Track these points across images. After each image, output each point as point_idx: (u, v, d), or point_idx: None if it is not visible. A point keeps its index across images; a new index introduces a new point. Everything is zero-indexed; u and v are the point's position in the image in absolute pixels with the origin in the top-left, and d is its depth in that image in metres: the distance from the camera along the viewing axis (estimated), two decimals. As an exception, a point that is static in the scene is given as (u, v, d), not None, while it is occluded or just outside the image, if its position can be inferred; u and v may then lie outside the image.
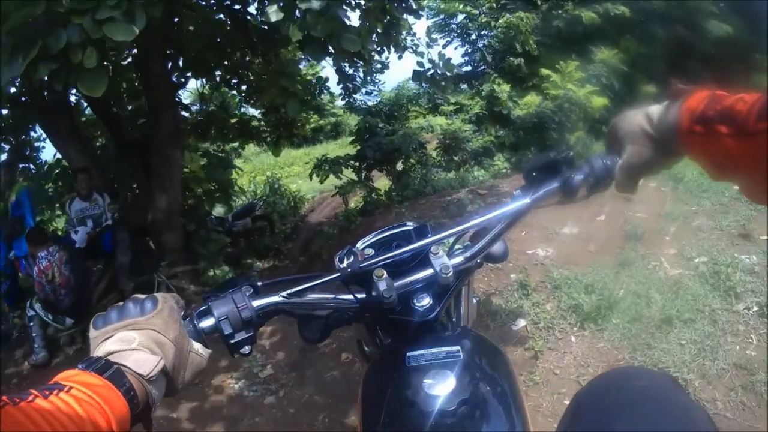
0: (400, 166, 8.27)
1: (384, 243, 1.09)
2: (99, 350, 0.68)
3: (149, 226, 5.90)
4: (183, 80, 6.33)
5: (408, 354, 0.86)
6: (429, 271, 0.90)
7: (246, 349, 0.79)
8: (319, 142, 19.36)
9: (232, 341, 0.78)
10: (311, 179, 8.14)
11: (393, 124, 9.06)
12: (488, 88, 9.34)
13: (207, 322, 0.78)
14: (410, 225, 1.10)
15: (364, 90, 8.47)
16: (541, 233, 4.65)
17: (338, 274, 0.89)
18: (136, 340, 0.68)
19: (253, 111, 8.38)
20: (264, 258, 8.42)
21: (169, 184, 5.73)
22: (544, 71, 8.99)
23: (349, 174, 8.00)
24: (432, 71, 5.54)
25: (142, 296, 0.74)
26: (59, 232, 6.51)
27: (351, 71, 6.95)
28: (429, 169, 8.47)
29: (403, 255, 0.91)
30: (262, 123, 7.91)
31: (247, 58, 6.53)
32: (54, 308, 4.80)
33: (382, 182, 8.60)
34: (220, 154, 6.94)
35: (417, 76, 5.61)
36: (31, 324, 4.90)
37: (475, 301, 1.20)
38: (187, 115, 7.13)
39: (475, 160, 9.00)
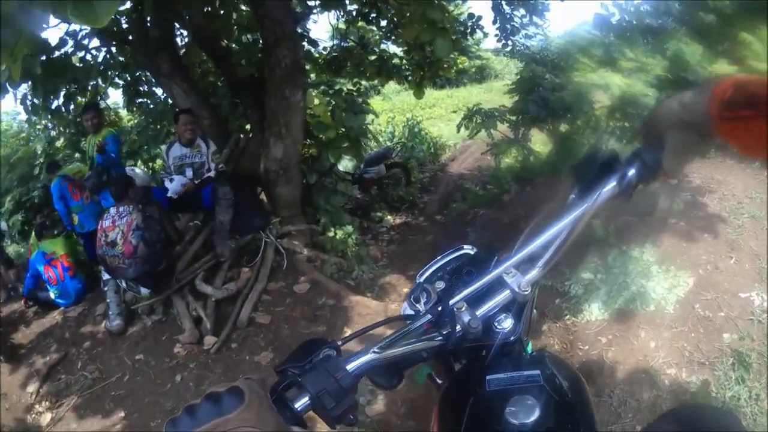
0: (563, 127, 6.85)
1: (453, 271, 1.02)
2: None
3: (262, 177, 5.14)
4: (306, 11, 5.55)
5: (488, 378, 0.84)
6: (506, 292, 0.88)
7: (351, 417, 0.73)
8: (463, 84, 17.91)
9: (336, 414, 0.71)
10: (458, 131, 7.03)
11: (560, 76, 7.54)
12: (674, 47, 7.26)
13: (303, 401, 0.71)
14: (468, 249, 1.04)
15: (523, 32, 6.97)
16: (753, 266, 3.23)
17: (426, 317, 0.86)
18: None
19: (393, 48, 7.83)
20: (396, 212, 7.54)
21: (287, 130, 4.89)
22: (745, 36, 6.68)
23: (503, 129, 6.77)
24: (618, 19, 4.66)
25: (221, 388, 0.62)
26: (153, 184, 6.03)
27: (510, 10, 6.23)
28: (600, 135, 6.83)
29: (484, 285, 0.89)
30: (404, 61, 7.19)
31: None
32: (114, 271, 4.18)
33: (539, 144, 7.33)
34: (353, 94, 5.90)
35: (600, 22, 5.08)
36: (105, 288, 4.37)
37: (534, 312, 1.05)
38: (313, 50, 6.30)
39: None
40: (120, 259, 4.05)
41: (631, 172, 0.91)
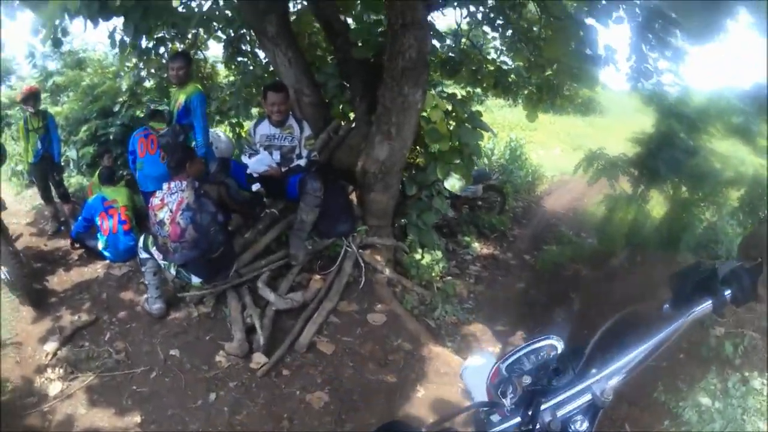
0: (685, 194, 6.02)
1: (539, 366, 0.96)
2: None
3: (358, 177, 4.48)
4: (441, 3, 4.92)
5: None
6: (588, 396, 0.86)
7: None
8: (566, 113, 16.76)
9: None
10: (574, 173, 6.24)
11: (695, 138, 6.58)
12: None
13: None
14: (555, 340, 0.97)
15: (657, 78, 6.16)
16: None
17: (518, 419, 0.85)
18: None
19: (508, 61, 7.15)
20: (484, 239, 6.81)
21: (398, 131, 4.22)
22: None
23: (623, 185, 6.03)
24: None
25: None
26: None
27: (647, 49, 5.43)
28: (722, 218, 5.95)
29: (573, 395, 0.86)
30: (522, 78, 6.51)
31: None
32: (165, 254, 3.59)
33: (655, 205, 6.46)
34: (465, 99, 5.17)
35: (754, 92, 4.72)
36: (143, 268, 3.79)
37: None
38: (438, 44, 5.64)
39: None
40: (168, 243, 3.50)
41: (727, 293, 0.92)
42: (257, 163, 4.06)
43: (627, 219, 6.24)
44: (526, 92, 6.60)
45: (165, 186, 3.50)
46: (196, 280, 3.70)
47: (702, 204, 5.85)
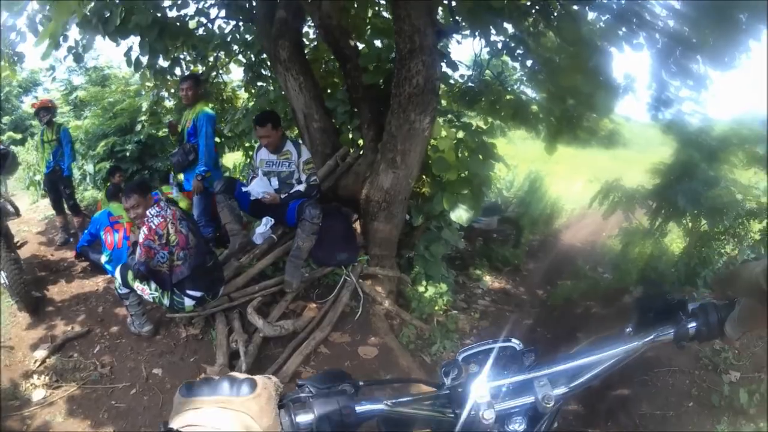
0: (704, 227, 5.73)
1: (493, 360, 0.96)
2: (181, 420, 0.62)
3: (362, 205, 4.38)
4: (453, 26, 4.81)
5: None
6: (530, 399, 0.86)
7: None
8: (589, 145, 16.54)
9: None
10: (590, 206, 6.03)
11: (715, 169, 6.33)
12: None
13: (305, 418, 0.73)
14: (516, 343, 0.97)
15: (677, 107, 5.98)
16: None
17: (446, 390, 0.87)
18: (226, 421, 0.62)
19: (529, 92, 6.98)
20: (497, 273, 6.60)
21: (403, 159, 4.11)
22: None
23: (640, 217, 5.83)
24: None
25: (242, 376, 0.67)
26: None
27: (667, 76, 5.14)
28: (743, 251, 5.64)
29: (511, 384, 0.88)
30: (542, 109, 6.37)
31: (540, 27, 5.22)
32: (164, 282, 3.55)
33: (673, 238, 6.27)
34: (481, 130, 5.06)
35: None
36: (127, 302, 3.78)
37: (555, 425, 1.01)
38: (451, 73, 5.48)
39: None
40: (175, 256, 3.51)
41: (691, 326, 0.92)
42: (255, 186, 4.01)
43: (643, 253, 6.06)
44: (545, 123, 6.43)
45: (154, 210, 3.49)
46: (189, 303, 3.63)
47: (722, 237, 5.62)
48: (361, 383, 0.82)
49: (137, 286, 3.59)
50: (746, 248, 5.61)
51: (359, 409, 0.77)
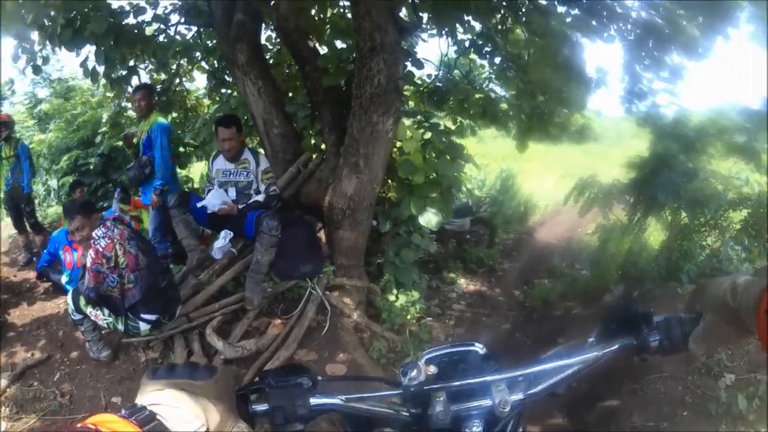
0: (684, 220, 5.66)
1: (450, 363, 0.99)
2: (145, 399, 0.67)
3: (325, 213, 4.20)
4: (416, 23, 4.67)
5: None
6: (487, 402, 0.87)
7: None
8: (560, 141, 16.59)
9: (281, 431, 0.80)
10: (565, 203, 5.94)
11: (693, 160, 6.25)
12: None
13: (260, 407, 0.79)
14: (479, 347, 1.01)
15: (652, 99, 5.92)
16: None
17: (400, 390, 0.89)
18: (185, 401, 0.67)
19: (499, 90, 7.08)
20: (472, 275, 6.51)
21: (366, 163, 3.95)
22: None
23: (618, 213, 5.75)
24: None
25: (202, 363, 0.48)
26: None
27: (641, 68, 5.22)
28: (725, 243, 5.57)
29: (467, 386, 0.89)
30: (512, 107, 6.39)
31: (508, 25, 5.25)
32: (116, 308, 3.36)
33: (652, 232, 6.12)
34: (449, 131, 4.91)
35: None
36: (82, 328, 3.57)
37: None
38: (417, 72, 5.37)
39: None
40: (125, 280, 3.31)
41: (654, 339, 0.92)
42: (212, 198, 3.83)
43: (622, 250, 5.97)
44: (515, 121, 6.41)
45: (100, 231, 3.28)
46: (144, 327, 3.44)
47: (703, 229, 5.56)
48: (319, 378, 0.85)
49: (90, 311, 3.40)
50: (729, 240, 5.57)
51: (313, 402, 0.81)
